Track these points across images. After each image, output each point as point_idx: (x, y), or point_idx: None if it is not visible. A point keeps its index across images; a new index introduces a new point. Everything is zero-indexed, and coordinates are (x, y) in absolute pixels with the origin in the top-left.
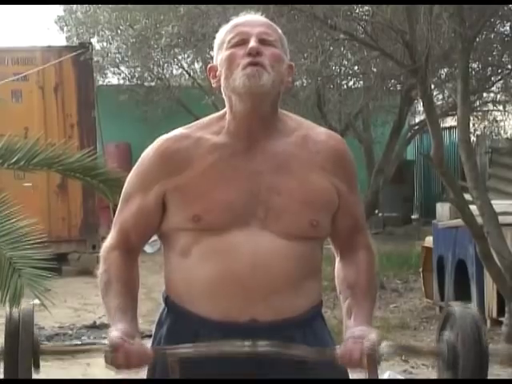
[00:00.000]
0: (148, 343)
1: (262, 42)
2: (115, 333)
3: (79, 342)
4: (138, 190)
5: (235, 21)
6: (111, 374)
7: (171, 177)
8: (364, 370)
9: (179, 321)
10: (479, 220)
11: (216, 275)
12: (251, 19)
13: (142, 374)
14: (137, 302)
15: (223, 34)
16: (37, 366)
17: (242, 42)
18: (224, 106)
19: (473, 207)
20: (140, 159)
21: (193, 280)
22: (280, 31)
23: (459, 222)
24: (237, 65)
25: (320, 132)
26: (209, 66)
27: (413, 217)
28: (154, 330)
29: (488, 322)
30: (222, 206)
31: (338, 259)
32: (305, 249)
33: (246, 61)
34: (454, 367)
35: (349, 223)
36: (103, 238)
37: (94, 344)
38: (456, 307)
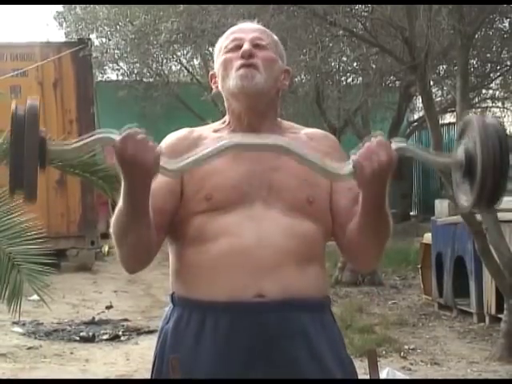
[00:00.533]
0: (150, 339)
1: (256, 46)
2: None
3: (77, 338)
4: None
5: (231, 29)
6: (110, 371)
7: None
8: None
9: (185, 313)
10: (478, 216)
11: (223, 250)
12: (246, 26)
13: (142, 375)
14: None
15: (220, 42)
16: (43, 165)
17: (237, 47)
18: (223, 103)
19: None
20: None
21: (202, 261)
22: (275, 37)
23: (458, 218)
24: (231, 67)
25: (311, 129)
26: (210, 73)
27: (411, 213)
28: (160, 327)
29: (487, 318)
30: (230, 185)
31: (343, 240)
32: (305, 228)
33: (239, 62)
34: (472, 174)
35: (349, 196)
36: (102, 234)
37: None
38: (475, 116)
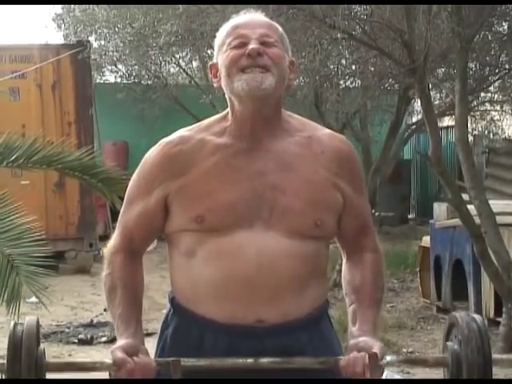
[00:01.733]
0: (148, 342)
1: (263, 43)
2: (118, 353)
3: (76, 340)
4: (141, 193)
5: (235, 21)
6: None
7: (174, 179)
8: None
9: (185, 323)
10: (476, 220)
11: (221, 276)
12: (251, 20)
13: None
14: (141, 308)
15: (223, 35)
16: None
17: (242, 44)
18: (222, 105)
19: (470, 207)
20: (142, 162)
21: (198, 282)
22: (281, 29)
23: (456, 221)
24: (236, 68)
25: (324, 133)
26: (209, 63)
27: (409, 216)
28: (159, 328)
29: (485, 321)
30: (224, 207)
31: (344, 260)
32: (310, 248)
33: (246, 62)
34: (459, 377)
35: (355, 224)
36: (100, 236)
37: (97, 362)
38: (460, 317)
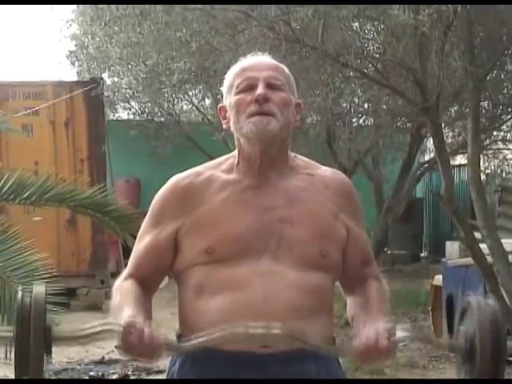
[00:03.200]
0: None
1: (270, 86)
2: (128, 314)
3: (87, 377)
4: (152, 226)
5: (243, 63)
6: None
7: (184, 214)
8: (380, 360)
9: (191, 357)
10: (489, 259)
11: (228, 306)
12: (258, 62)
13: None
14: (151, 315)
15: (231, 77)
16: (49, 353)
17: (250, 87)
18: (234, 142)
19: (482, 246)
20: (154, 199)
21: (206, 313)
22: (287, 71)
23: (469, 260)
24: (244, 111)
25: (326, 169)
26: (219, 106)
27: (421, 254)
28: (167, 368)
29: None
30: (234, 237)
31: (348, 298)
32: (316, 281)
33: (253, 109)
34: (472, 360)
35: (358, 257)
36: (112, 273)
37: (106, 329)
38: (473, 301)
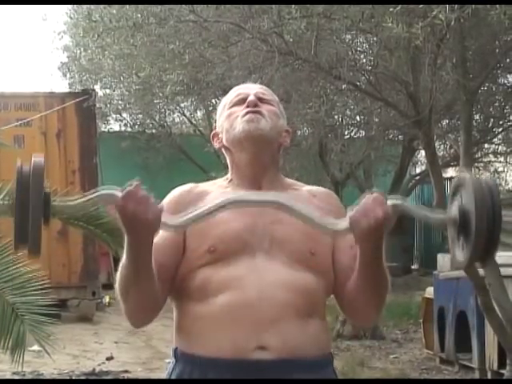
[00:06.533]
0: None
1: (260, 100)
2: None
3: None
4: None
5: (235, 88)
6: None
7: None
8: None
9: (187, 368)
10: (480, 271)
11: (226, 304)
12: (249, 85)
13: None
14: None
15: (224, 100)
16: (47, 220)
17: (242, 101)
18: (225, 155)
19: None
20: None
21: (204, 314)
22: (277, 98)
23: (460, 273)
24: (236, 117)
25: (313, 186)
26: (212, 132)
27: (413, 267)
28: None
29: (489, 374)
30: (232, 236)
31: (345, 301)
32: (307, 281)
33: (245, 111)
34: (466, 231)
35: (349, 254)
36: (103, 285)
37: (103, 194)
38: (468, 177)
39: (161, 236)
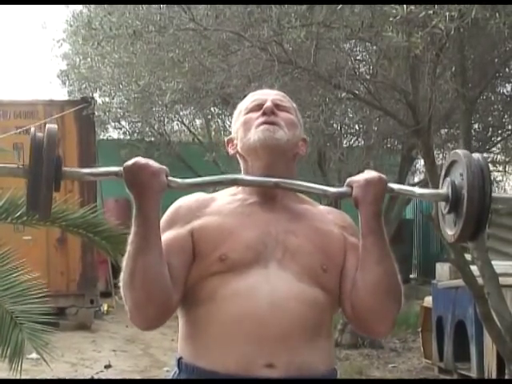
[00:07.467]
0: None
1: (277, 106)
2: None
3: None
4: (171, 227)
5: (251, 93)
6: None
7: (193, 218)
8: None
9: (191, 379)
10: (479, 280)
11: (235, 315)
12: (266, 91)
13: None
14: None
15: (240, 106)
16: (57, 187)
17: (258, 107)
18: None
19: (473, 267)
20: (164, 216)
21: (212, 324)
22: (294, 105)
23: (459, 282)
24: (252, 125)
25: (325, 206)
26: (226, 138)
27: (411, 276)
28: None
29: None
30: (245, 245)
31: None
32: (317, 297)
33: (261, 120)
34: (458, 209)
35: (356, 266)
36: (101, 293)
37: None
38: (462, 153)
39: (166, 238)
